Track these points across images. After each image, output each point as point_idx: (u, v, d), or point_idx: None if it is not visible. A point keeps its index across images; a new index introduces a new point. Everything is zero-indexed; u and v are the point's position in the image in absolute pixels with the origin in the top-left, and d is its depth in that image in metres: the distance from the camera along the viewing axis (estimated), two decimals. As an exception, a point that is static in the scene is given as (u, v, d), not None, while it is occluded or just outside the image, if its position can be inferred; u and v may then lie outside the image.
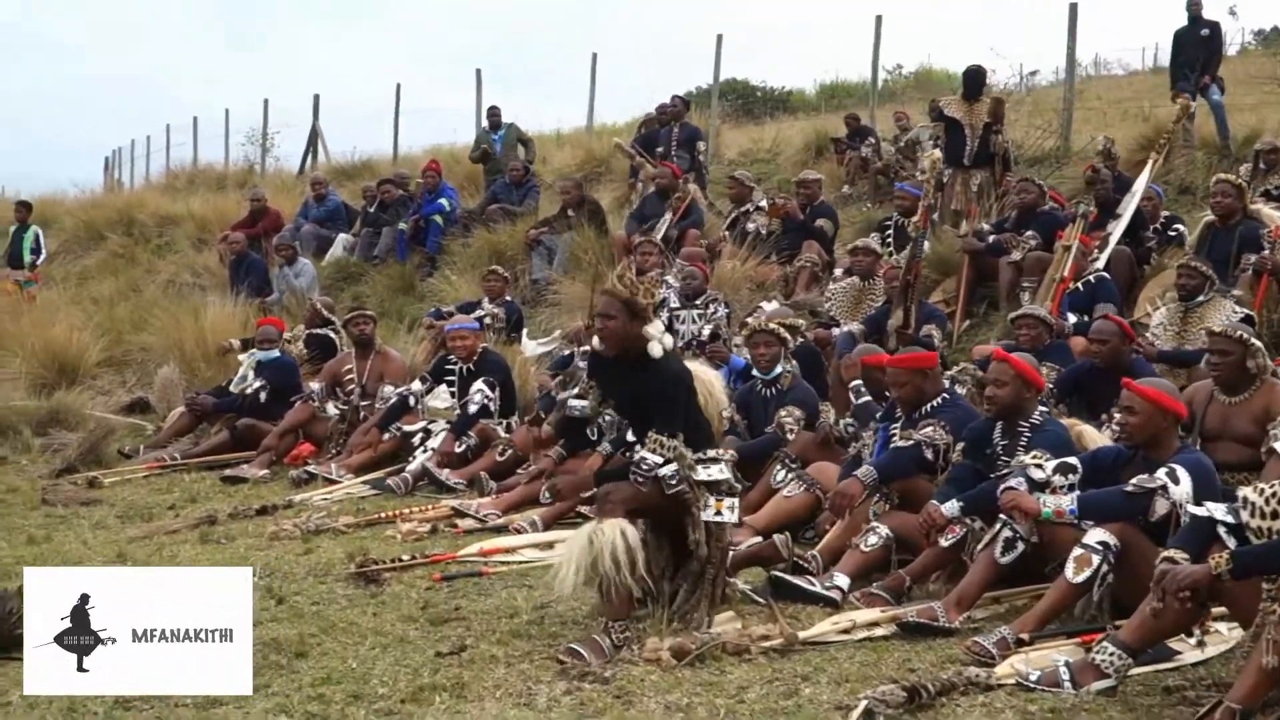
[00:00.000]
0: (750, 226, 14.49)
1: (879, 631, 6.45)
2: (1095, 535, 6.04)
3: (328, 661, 6.33)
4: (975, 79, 14.78)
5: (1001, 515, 6.49)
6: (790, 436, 8.78)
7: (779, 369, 9.18)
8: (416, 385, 11.16)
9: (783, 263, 14.00)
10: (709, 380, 9.32)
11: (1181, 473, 6.11)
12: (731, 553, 7.36)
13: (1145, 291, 11.30)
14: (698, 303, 12.40)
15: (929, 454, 7.48)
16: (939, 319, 11.28)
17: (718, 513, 6.50)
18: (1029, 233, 12.07)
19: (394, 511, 9.40)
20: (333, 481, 10.47)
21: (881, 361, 8.48)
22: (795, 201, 14.56)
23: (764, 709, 5.56)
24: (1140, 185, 11.53)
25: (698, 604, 6.56)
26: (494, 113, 19.96)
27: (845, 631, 6.44)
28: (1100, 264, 11.00)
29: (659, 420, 6.45)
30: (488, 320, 13.92)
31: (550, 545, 8.37)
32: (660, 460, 6.35)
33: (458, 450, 10.52)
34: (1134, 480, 6.10)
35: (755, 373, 9.35)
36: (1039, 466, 6.59)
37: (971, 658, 5.95)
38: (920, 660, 6.09)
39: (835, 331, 11.60)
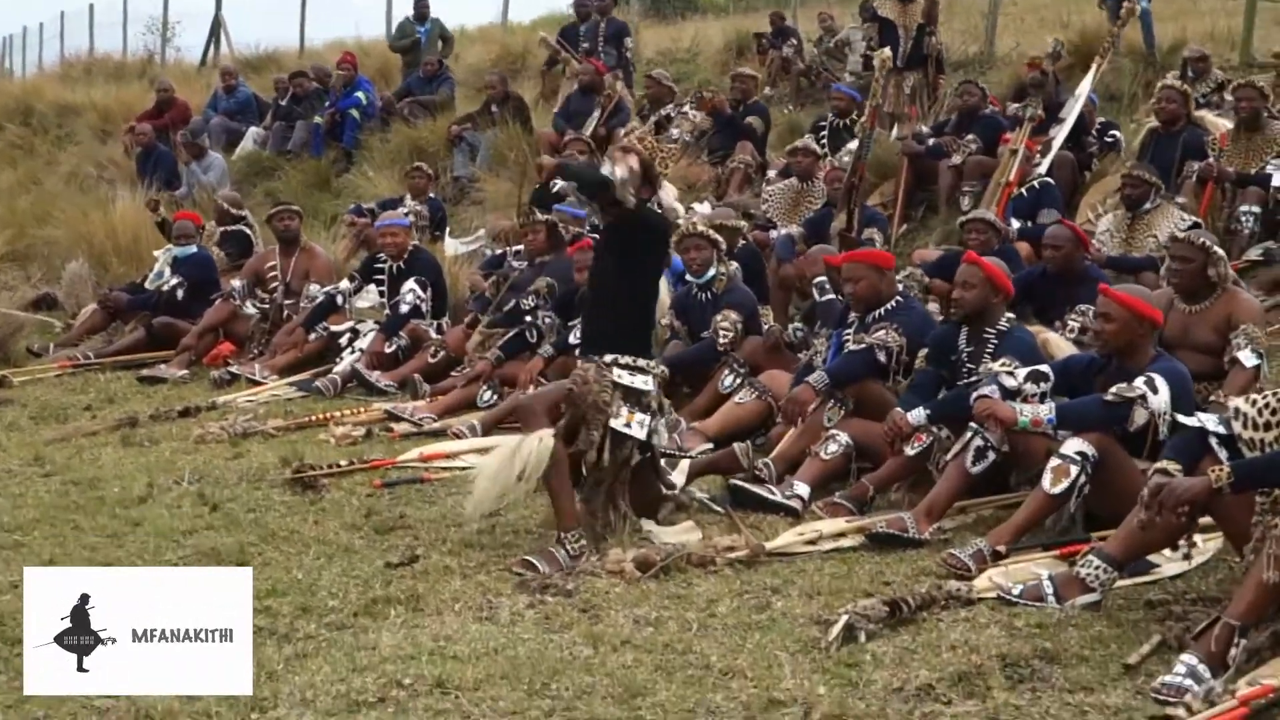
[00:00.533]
0: (675, 132, 14.09)
1: (846, 542, 6.25)
2: (1073, 445, 5.85)
3: (271, 572, 6.06)
4: (910, -24, 14.48)
5: (972, 424, 6.29)
6: (723, 340, 8.48)
7: (712, 272, 8.84)
8: (344, 284, 10.73)
9: (714, 164, 13.66)
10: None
11: (1160, 381, 5.93)
12: (689, 461, 7.16)
13: (1087, 198, 11.14)
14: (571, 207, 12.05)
15: (882, 357, 7.25)
16: (880, 222, 11.07)
17: (626, 424, 6.21)
18: (970, 136, 11.83)
19: (324, 414, 9.06)
20: (257, 383, 10.09)
21: (837, 260, 8.19)
22: (723, 96, 14.21)
23: (736, 623, 5.35)
24: (1085, 89, 11.31)
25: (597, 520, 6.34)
26: (422, 4, 19.29)
27: (811, 542, 6.25)
28: (1043, 169, 10.79)
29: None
30: (411, 218, 13.51)
31: (488, 450, 8.09)
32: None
33: (388, 351, 10.15)
34: (1113, 389, 5.91)
35: (689, 277, 9.05)
36: (1010, 374, 6.38)
37: (948, 570, 5.76)
38: (893, 572, 5.90)
39: (773, 234, 11.31)
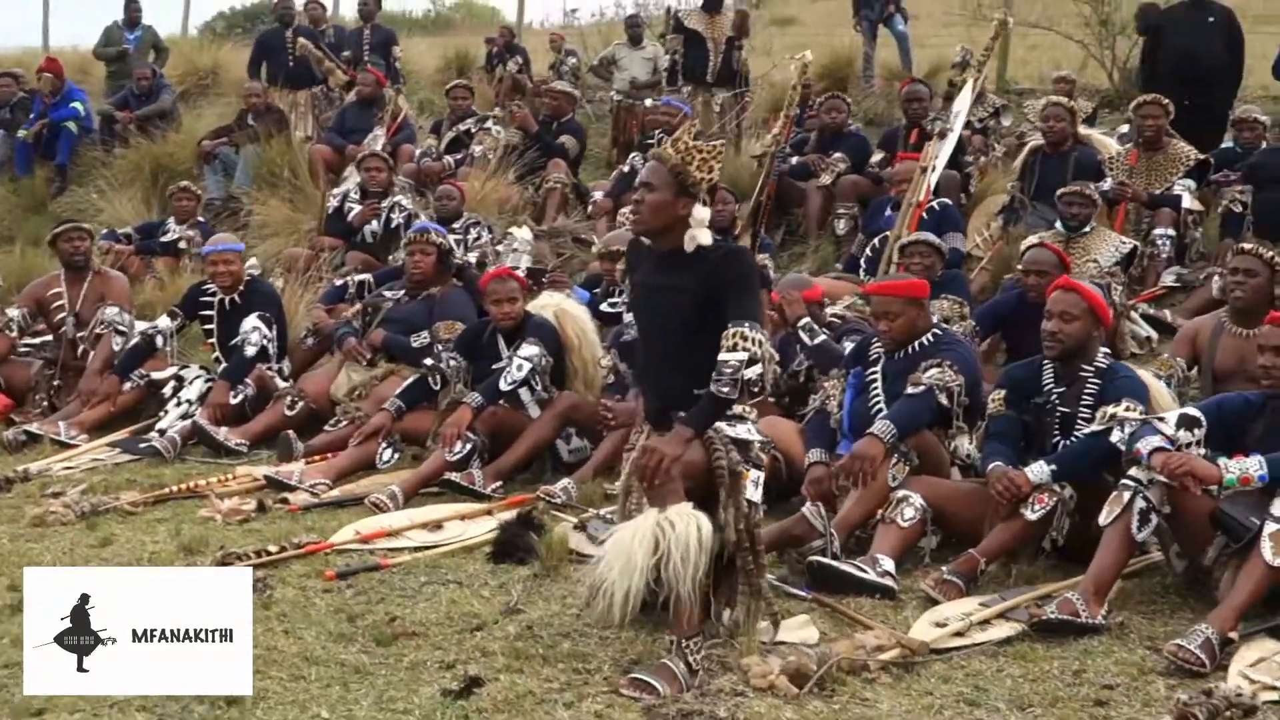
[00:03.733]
0: (478, 149, 12.74)
1: (1000, 633, 5.13)
2: (1291, 506, 4.92)
3: (285, 715, 4.50)
4: (717, -11, 13.60)
5: (1130, 481, 5.27)
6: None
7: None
8: (163, 322, 8.90)
9: (534, 185, 12.33)
10: (579, 318, 7.84)
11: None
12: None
13: (972, 221, 10.42)
14: (455, 226, 10.66)
15: (944, 400, 6.18)
16: (769, 249, 10.04)
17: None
18: (837, 154, 10.96)
19: (187, 484, 7.33)
20: (66, 445, 8.21)
21: (868, 290, 7.04)
22: (527, 112, 12.95)
23: (975, 754, 4.17)
24: (964, 105, 10.57)
25: (745, 608, 4.99)
26: (134, 8, 17.09)
27: (958, 634, 5.10)
28: (929, 187, 9.95)
29: (735, 310, 4.77)
30: (182, 244, 11.73)
31: (438, 524, 6.64)
32: (744, 358, 4.67)
33: (233, 402, 8.43)
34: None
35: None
36: (1161, 420, 5.40)
37: (1173, 665, 4.72)
38: (1095, 669, 4.82)
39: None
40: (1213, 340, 6.88)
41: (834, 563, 5.63)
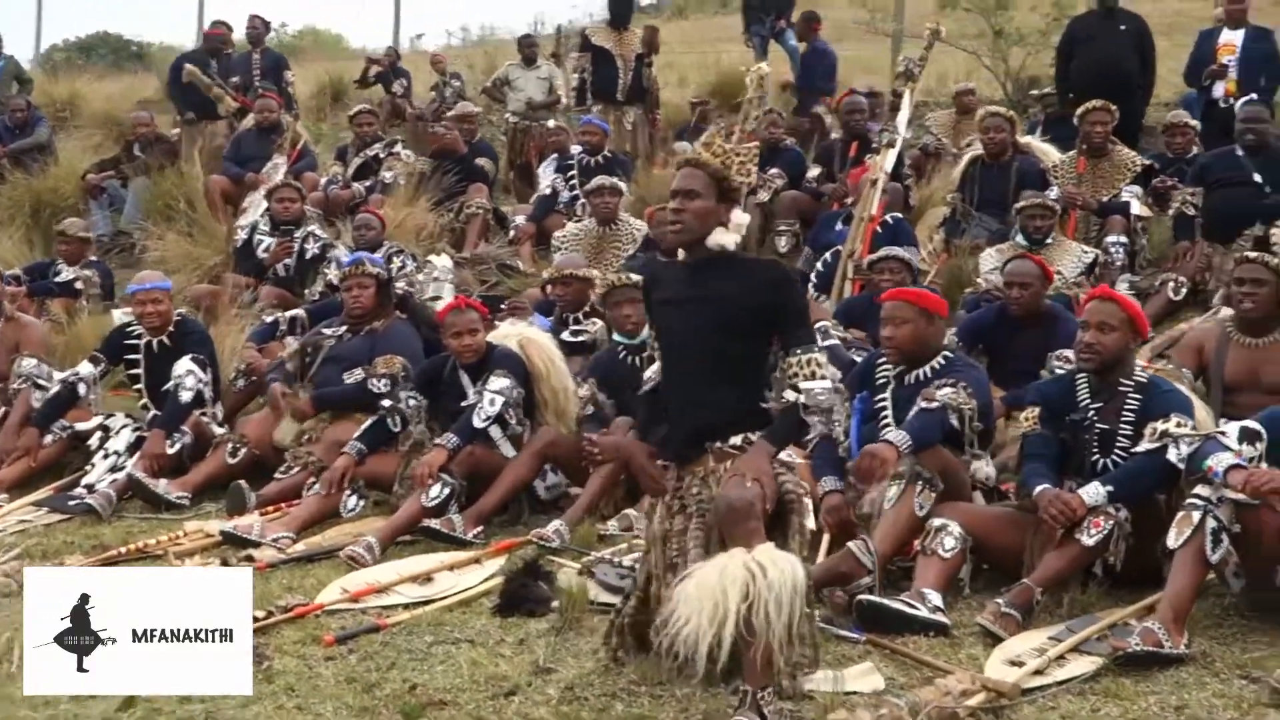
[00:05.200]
0: (388, 175, 12.22)
1: (1079, 669, 4.81)
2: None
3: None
4: (623, 4, 13.30)
5: (1198, 499, 4.99)
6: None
7: (646, 332, 7.21)
8: (85, 369, 8.24)
9: (451, 211, 11.85)
10: (544, 345, 7.45)
11: None
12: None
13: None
14: (377, 256, 10.11)
15: (955, 421, 5.86)
16: None
17: None
18: (774, 170, 10.70)
19: (138, 545, 6.72)
20: (-13, 505, 7.56)
21: (884, 297, 6.64)
22: (454, 134, 12.44)
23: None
24: (905, 118, 10.34)
25: (804, 647, 4.59)
26: (-8, 39, 16.24)
27: (1038, 672, 4.76)
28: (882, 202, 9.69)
29: (793, 335, 4.51)
30: (79, 285, 11.03)
31: (428, 577, 6.15)
32: (829, 386, 4.41)
33: (170, 452, 7.81)
34: None
35: (617, 338, 7.37)
36: (1224, 434, 5.14)
37: (1275, 698, 4.43)
38: (1194, 702, 4.53)
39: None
40: (1220, 350, 6.64)
41: (885, 601, 5.27)
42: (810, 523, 4.56)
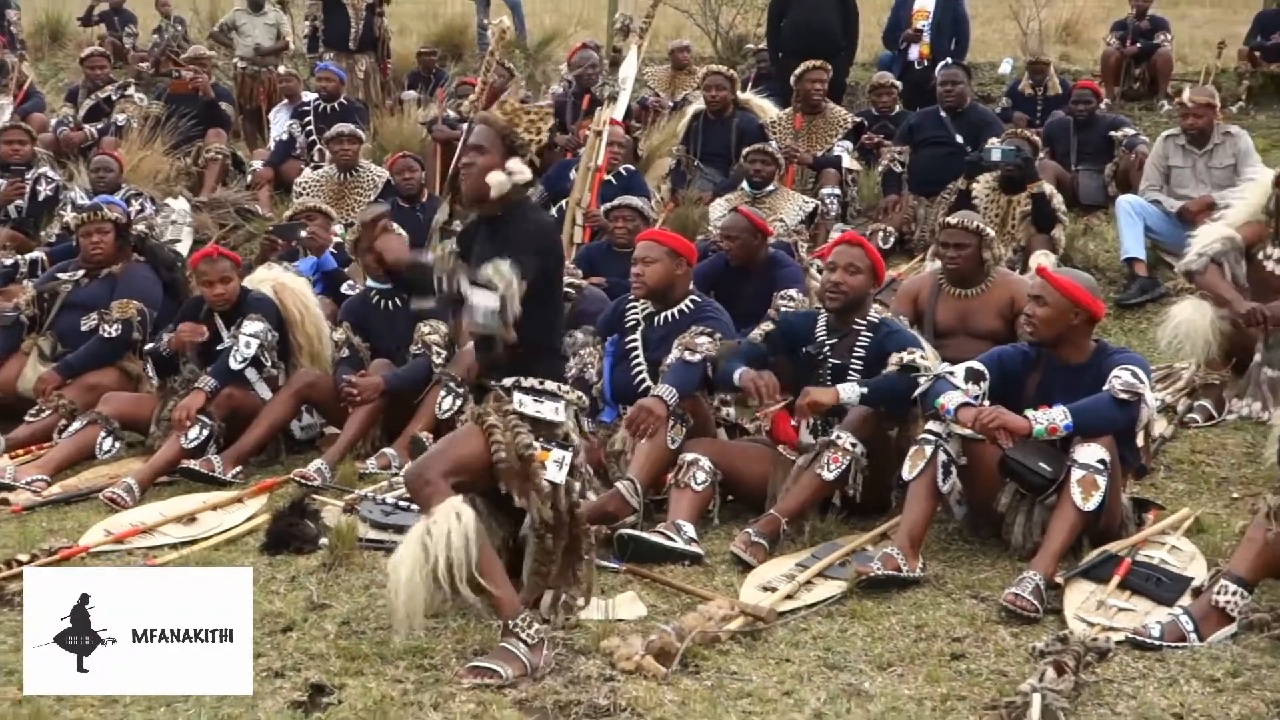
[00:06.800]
0: (121, 118, 11.65)
1: (825, 592, 4.97)
2: (1094, 453, 4.94)
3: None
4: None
5: (930, 434, 5.20)
6: (438, 357, 6.87)
7: (388, 278, 7.12)
8: None
9: (188, 154, 11.38)
10: (299, 291, 7.29)
11: (1143, 375, 5.16)
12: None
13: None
14: (115, 199, 9.67)
15: (710, 370, 5.95)
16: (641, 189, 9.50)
17: (540, 465, 4.57)
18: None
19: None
20: None
21: (639, 238, 6.65)
22: (203, 78, 11.93)
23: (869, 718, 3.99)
24: (631, 70, 10.38)
25: (565, 585, 4.66)
26: None
27: (788, 596, 4.91)
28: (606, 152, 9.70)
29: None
30: None
31: (192, 518, 5.97)
32: (493, 303, 4.16)
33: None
34: (1121, 384, 5.03)
35: (371, 283, 7.22)
36: (952, 374, 5.34)
37: (1011, 613, 4.67)
38: (932, 621, 4.72)
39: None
40: (932, 299, 6.92)
41: (643, 534, 5.33)
42: (555, 475, 4.46)
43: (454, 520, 4.22)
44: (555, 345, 4.75)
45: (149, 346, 7.09)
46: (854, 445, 5.50)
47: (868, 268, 5.83)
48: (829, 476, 5.48)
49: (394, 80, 13.41)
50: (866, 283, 5.85)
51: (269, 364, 6.92)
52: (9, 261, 8.55)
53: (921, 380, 5.40)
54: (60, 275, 7.81)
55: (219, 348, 6.87)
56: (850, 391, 5.52)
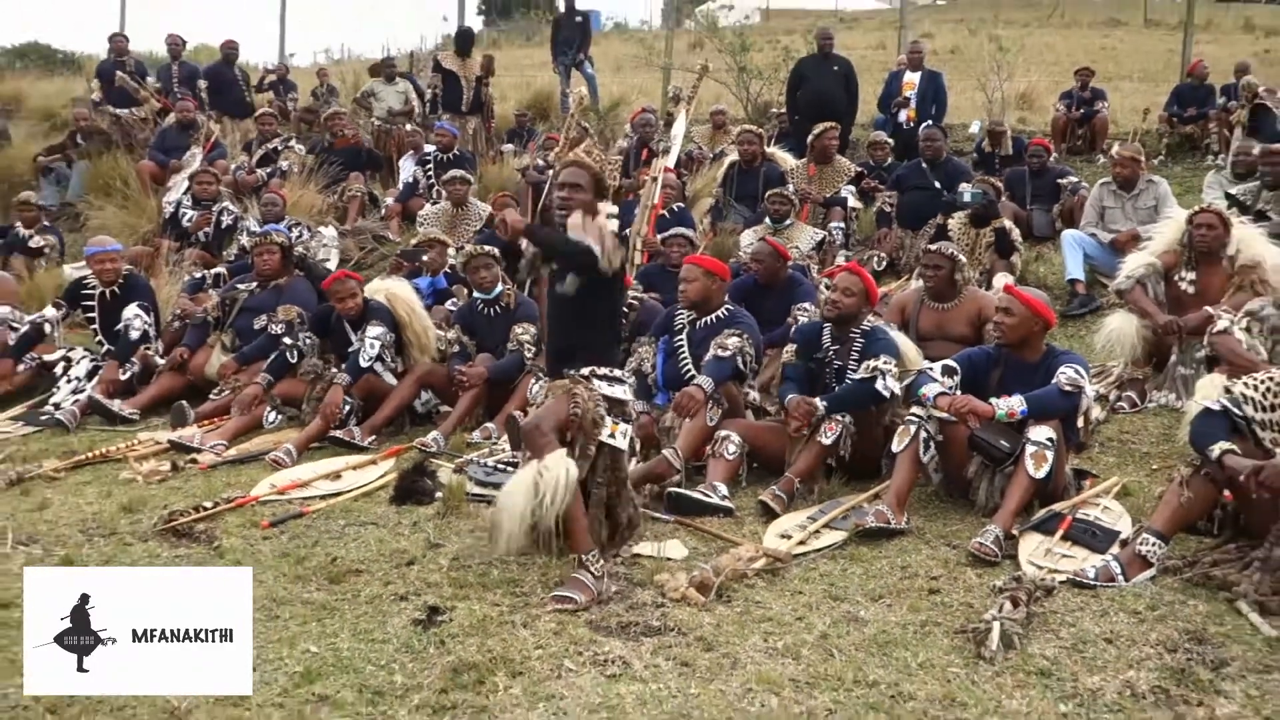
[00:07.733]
0: (284, 164, 11.75)
1: (828, 539, 4.93)
2: (1043, 432, 4.89)
3: (278, 652, 3.91)
4: (466, 38, 13.00)
5: (915, 415, 5.16)
6: (529, 353, 6.88)
7: (499, 288, 7.14)
8: (50, 312, 7.80)
9: (336, 193, 11.45)
10: (406, 298, 7.29)
11: (1083, 371, 5.09)
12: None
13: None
14: (281, 226, 9.73)
15: (740, 363, 5.93)
16: (688, 222, 9.43)
17: (610, 434, 4.57)
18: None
19: (101, 451, 6.41)
20: (-30, 422, 7.08)
21: (685, 261, 6.60)
22: (359, 132, 12.04)
23: (863, 639, 3.97)
24: (681, 129, 10.35)
25: (610, 534, 4.66)
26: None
27: (801, 543, 4.88)
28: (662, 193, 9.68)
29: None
30: (44, 248, 10.39)
31: (338, 475, 6.00)
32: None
33: (123, 378, 7.44)
34: (1066, 378, 4.98)
35: (477, 294, 7.24)
36: (932, 369, 5.30)
37: (976, 558, 4.62)
38: (918, 565, 4.65)
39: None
40: (916, 310, 6.87)
41: (687, 492, 5.32)
42: (619, 443, 4.49)
43: (563, 469, 4.21)
44: (618, 341, 4.75)
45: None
46: (844, 416, 5.48)
47: (861, 292, 5.79)
48: (827, 442, 5.45)
49: (495, 136, 13.40)
50: (859, 303, 5.79)
51: (389, 359, 6.96)
52: (199, 275, 8.65)
53: (889, 379, 5.40)
54: (239, 286, 7.91)
55: (349, 350, 6.92)
56: (820, 404, 5.53)
